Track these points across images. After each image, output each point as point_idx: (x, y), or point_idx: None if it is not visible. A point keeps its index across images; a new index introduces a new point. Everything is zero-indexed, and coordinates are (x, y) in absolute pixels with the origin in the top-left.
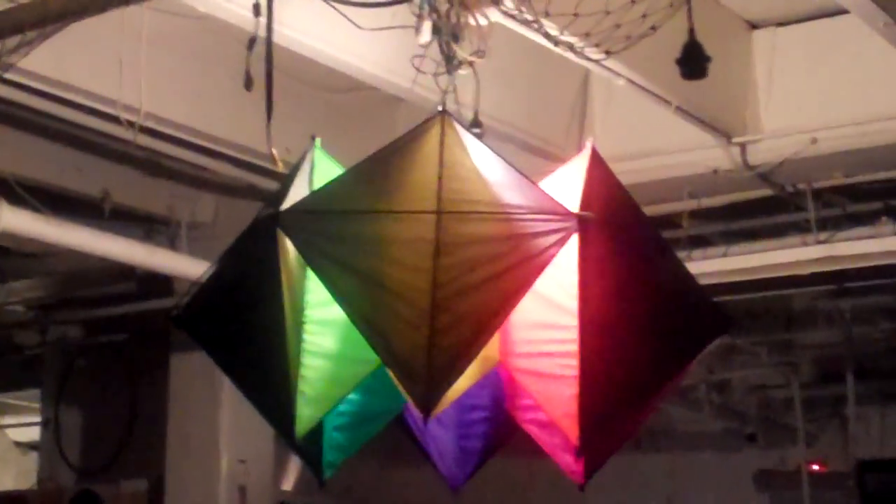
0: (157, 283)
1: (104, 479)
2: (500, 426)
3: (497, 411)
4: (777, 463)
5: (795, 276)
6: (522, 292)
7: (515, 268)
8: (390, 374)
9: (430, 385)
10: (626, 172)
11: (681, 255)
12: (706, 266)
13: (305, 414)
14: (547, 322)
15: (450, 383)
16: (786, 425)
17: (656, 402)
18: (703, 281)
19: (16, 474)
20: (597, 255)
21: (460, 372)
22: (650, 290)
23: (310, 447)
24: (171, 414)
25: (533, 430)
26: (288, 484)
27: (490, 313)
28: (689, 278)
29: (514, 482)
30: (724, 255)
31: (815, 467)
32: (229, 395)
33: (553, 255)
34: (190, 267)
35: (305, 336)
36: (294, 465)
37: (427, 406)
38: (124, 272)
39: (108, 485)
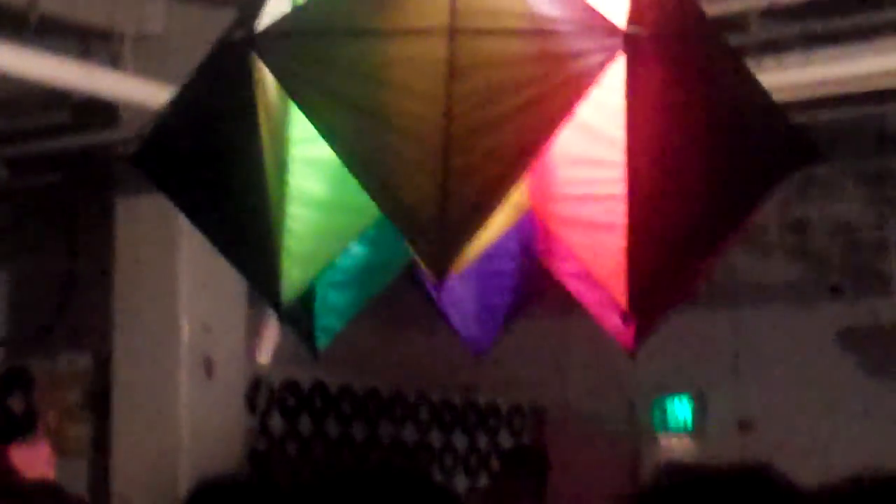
0: (98, 110)
1: (37, 354)
2: (530, 278)
3: (526, 260)
4: (867, 318)
5: (891, 88)
6: (556, 126)
7: (547, 96)
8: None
9: (443, 242)
10: None
11: (750, 64)
12: (780, 77)
13: (293, 274)
14: (588, 158)
15: (468, 239)
16: (878, 273)
17: (720, 251)
18: (776, 97)
19: None
20: (648, 76)
21: (481, 224)
22: (714, 116)
23: (299, 311)
24: (117, 272)
25: (572, 285)
26: (264, 356)
27: (517, 151)
28: (763, 98)
29: (547, 346)
30: (803, 63)
31: None
32: (190, 246)
33: (594, 81)
34: (137, 89)
35: (290, 179)
36: (272, 332)
37: (440, 268)
38: (56, 98)
39: (41, 361)
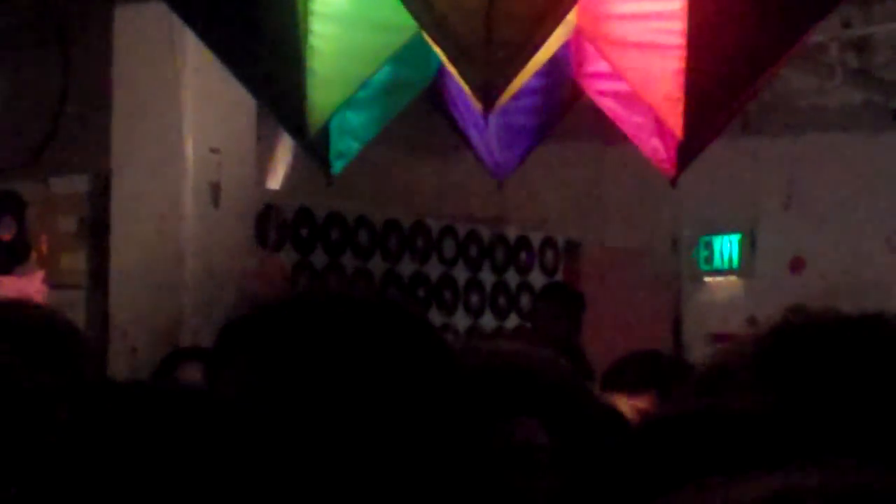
0: None
1: (29, 177)
2: (557, 98)
3: (556, 78)
4: None
5: None
6: None
7: None
8: (435, 48)
9: (492, 66)
10: None
11: None
12: None
13: (318, 99)
14: None
15: (521, 61)
16: None
17: (774, 71)
18: None
19: None
20: None
21: (535, 45)
22: None
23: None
24: (116, 87)
25: (610, 106)
26: (275, 181)
27: None
28: None
29: (583, 175)
30: None
31: None
32: (195, 60)
33: None
34: None
35: None
36: (284, 155)
37: (489, 94)
38: None
39: (33, 183)
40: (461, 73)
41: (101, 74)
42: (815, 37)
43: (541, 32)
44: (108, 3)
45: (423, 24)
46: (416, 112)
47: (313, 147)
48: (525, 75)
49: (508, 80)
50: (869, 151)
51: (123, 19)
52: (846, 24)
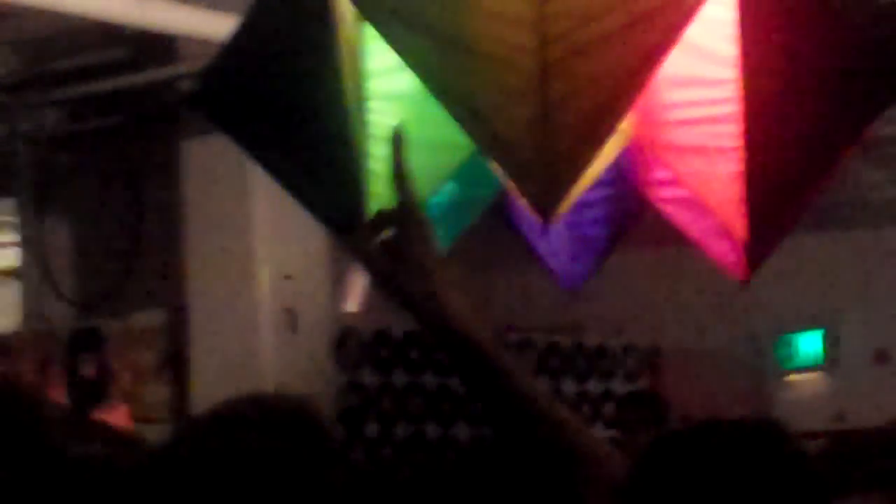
0: (157, 45)
1: (109, 313)
2: (624, 208)
3: (621, 188)
4: None
5: None
6: (666, 46)
7: (654, 13)
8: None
9: (548, 178)
10: None
11: None
12: None
13: None
14: (696, 78)
15: (577, 172)
16: None
17: (837, 169)
18: None
19: None
20: None
21: (590, 158)
22: (829, 28)
23: None
24: (188, 219)
25: (675, 213)
26: (352, 304)
27: (623, 75)
28: (885, 8)
29: (659, 280)
30: None
31: None
32: (264, 189)
33: None
34: (197, 20)
35: (371, 117)
36: (359, 279)
37: (547, 207)
38: (111, 34)
39: (113, 319)
40: (518, 187)
41: (174, 209)
42: (885, 129)
43: (595, 143)
44: (176, 137)
45: (477, 141)
46: (488, 228)
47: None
48: (582, 186)
49: (565, 192)
50: None
51: (191, 153)
52: None
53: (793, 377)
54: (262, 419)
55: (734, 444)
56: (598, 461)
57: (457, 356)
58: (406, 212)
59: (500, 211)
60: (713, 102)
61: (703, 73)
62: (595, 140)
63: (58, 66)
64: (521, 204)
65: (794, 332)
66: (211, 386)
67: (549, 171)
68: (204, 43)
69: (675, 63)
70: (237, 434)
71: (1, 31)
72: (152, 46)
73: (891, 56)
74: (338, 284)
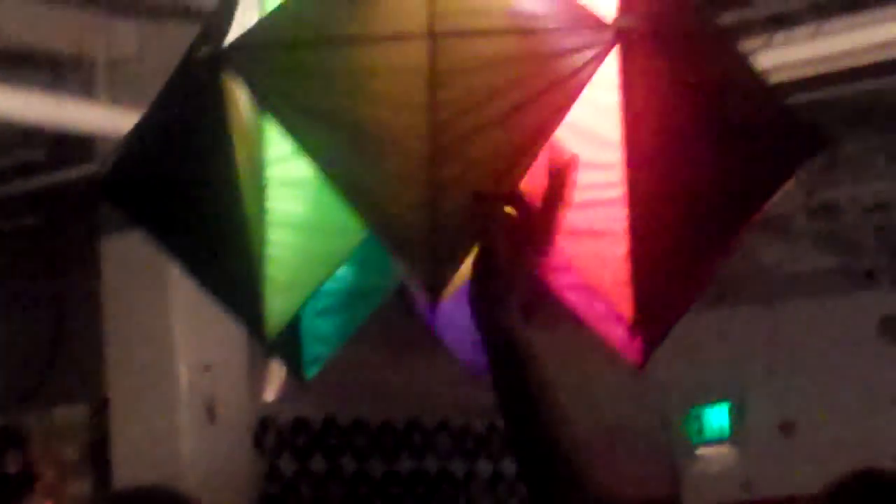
0: (74, 144)
1: (30, 409)
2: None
3: None
4: None
5: None
6: (548, 130)
7: (537, 98)
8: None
9: (436, 258)
10: None
11: (757, 41)
12: (792, 53)
13: (277, 305)
14: (585, 161)
15: (464, 255)
16: None
17: (731, 247)
18: (790, 73)
19: None
20: (643, 71)
21: (476, 238)
22: (714, 109)
23: (286, 341)
24: (108, 315)
25: (570, 298)
26: (270, 392)
27: (507, 159)
28: (764, 87)
29: (567, 361)
30: (815, 35)
31: None
32: (182, 282)
33: (586, 80)
34: (113, 118)
35: (269, 204)
36: (278, 369)
37: (434, 286)
38: (29, 134)
39: (35, 415)
40: (407, 267)
41: (94, 304)
42: (782, 207)
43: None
44: (95, 234)
45: (369, 225)
46: (400, 313)
47: (280, 349)
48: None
49: (451, 272)
50: (846, 312)
51: (110, 249)
52: (811, 191)
53: (701, 450)
54: None
55: None
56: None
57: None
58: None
59: (404, 299)
60: (603, 186)
61: (592, 157)
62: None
63: None
64: (411, 285)
65: (701, 406)
66: (133, 479)
67: (435, 253)
68: (120, 140)
69: (566, 148)
70: None
71: None
72: (70, 145)
73: (777, 138)
74: (256, 374)
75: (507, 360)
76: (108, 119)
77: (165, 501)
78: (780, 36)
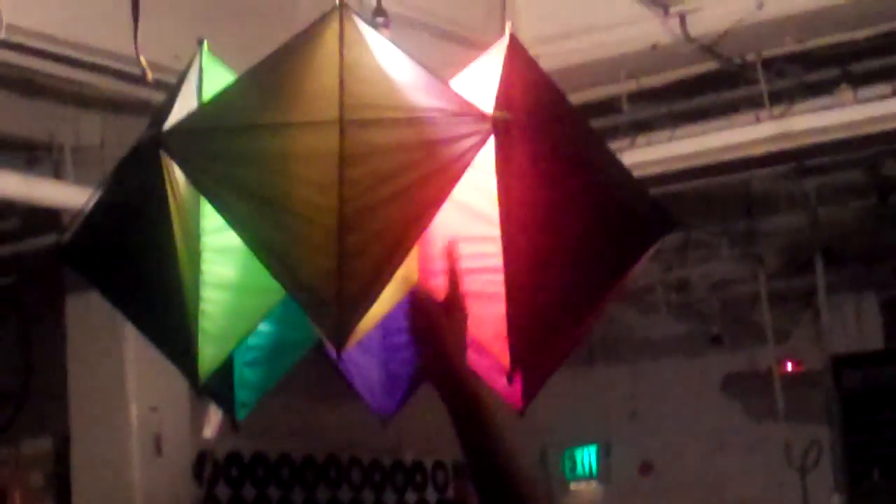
0: (44, 217)
1: (1, 441)
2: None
3: None
4: (746, 365)
5: (752, 156)
6: (437, 204)
7: (428, 177)
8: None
9: (341, 314)
10: (558, 54)
11: (623, 142)
12: (652, 153)
13: (208, 353)
14: (468, 235)
15: (364, 310)
16: (754, 323)
17: (597, 313)
18: (650, 169)
19: None
20: (517, 157)
21: (375, 297)
22: (581, 191)
23: (220, 387)
24: (71, 362)
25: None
26: (209, 431)
27: (402, 231)
28: (625, 175)
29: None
30: (671, 139)
31: (789, 367)
32: (134, 336)
33: (468, 163)
34: (77, 196)
35: (204, 266)
36: (215, 410)
37: (339, 338)
38: (5, 208)
39: (6, 447)
40: (315, 322)
41: (60, 351)
42: (643, 282)
43: (378, 287)
44: (61, 293)
45: (285, 287)
46: (322, 363)
47: (215, 394)
48: (368, 325)
49: (353, 329)
50: (696, 370)
51: (74, 305)
52: (667, 269)
53: (573, 486)
54: None
55: None
56: None
57: (463, 411)
58: (454, 300)
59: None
60: (485, 256)
61: (475, 231)
62: (377, 284)
63: None
64: (322, 339)
65: (574, 447)
66: (91, 502)
67: (341, 312)
68: (79, 211)
69: (452, 222)
70: None
71: None
72: (41, 217)
73: (637, 216)
74: (197, 415)
75: (470, 411)
76: (74, 196)
77: None
78: (641, 139)
